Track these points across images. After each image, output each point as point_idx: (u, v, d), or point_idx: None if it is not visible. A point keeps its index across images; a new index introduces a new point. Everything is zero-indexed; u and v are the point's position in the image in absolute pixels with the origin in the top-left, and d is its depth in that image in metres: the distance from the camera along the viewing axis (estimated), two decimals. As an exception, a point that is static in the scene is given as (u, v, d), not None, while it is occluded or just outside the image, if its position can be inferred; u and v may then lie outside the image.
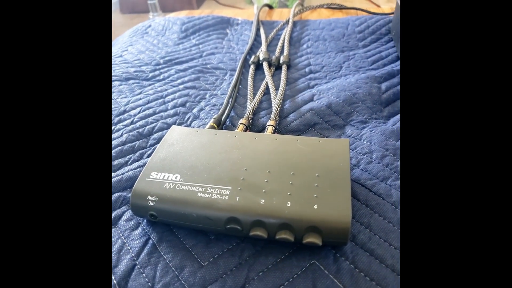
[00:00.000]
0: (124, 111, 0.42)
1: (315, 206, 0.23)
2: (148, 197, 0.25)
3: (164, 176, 0.26)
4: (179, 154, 0.28)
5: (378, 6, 0.94)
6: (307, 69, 0.49)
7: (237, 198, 0.24)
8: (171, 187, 0.25)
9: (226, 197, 0.24)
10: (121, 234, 0.26)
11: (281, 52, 0.54)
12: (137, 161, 0.34)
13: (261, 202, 0.24)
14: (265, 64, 0.49)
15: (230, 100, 0.42)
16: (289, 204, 0.24)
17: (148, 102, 0.44)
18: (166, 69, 0.52)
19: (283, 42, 0.57)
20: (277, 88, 0.43)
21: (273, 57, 0.51)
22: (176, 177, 0.26)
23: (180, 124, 0.39)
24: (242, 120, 0.36)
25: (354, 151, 0.33)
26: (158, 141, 0.37)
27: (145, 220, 0.28)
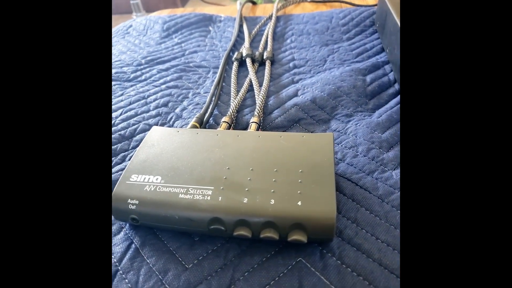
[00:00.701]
0: (105, 113, 0.41)
1: (299, 203, 0.23)
2: (129, 201, 0.24)
3: (145, 178, 0.26)
4: (160, 155, 0.28)
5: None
6: (291, 64, 0.49)
7: (220, 198, 0.24)
8: (152, 189, 0.25)
9: (208, 198, 0.24)
10: (102, 240, 0.26)
11: (265, 47, 0.54)
12: (119, 164, 0.33)
13: (244, 201, 0.23)
14: (248, 61, 0.48)
15: (213, 98, 0.41)
16: (272, 201, 0.23)
17: (130, 103, 0.43)
18: (148, 69, 0.51)
19: (267, 37, 0.56)
20: (261, 85, 0.43)
21: (257, 53, 0.50)
22: (157, 179, 0.25)
23: (162, 124, 0.39)
24: (225, 118, 0.35)
25: (340, 145, 0.33)
26: (140, 143, 0.36)
27: (127, 224, 0.27)
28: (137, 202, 0.24)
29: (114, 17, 2.15)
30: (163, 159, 0.27)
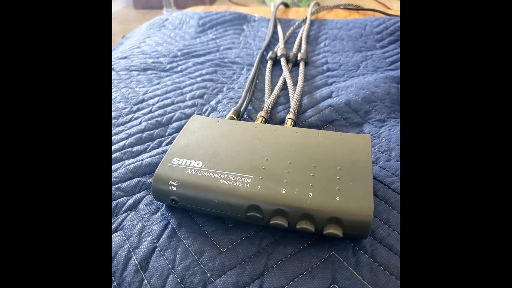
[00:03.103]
0: (143, 100, 0.42)
1: (337, 198, 0.23)
2: (170, 182, 0.25)
3: (186, 162, 0.27)
4: (200, 142, 0.29)
5: (389, 8, 0.94)
6: (324, 67, 0.49)
7: (259, 186, 0.24)
8: (193, 173, 0.26)
9: (248, 185, 0.24)
10: (141, 218, 0.27)
11: (299, 49, 0.54)
12: (156, 148, 0.34)
13: (283, 192, 0.24)
14: (283, 60, 0.49)
15: (248, 94, 0.42)
16: (310, 195, 0.24)
17: (166, 92, 0.44)
18: (183, 61, 0.52)
19: (301, 39, 0.57)
20: (294, 84, 0.44)
21: (291, 54, 0.51)
22: (198, 164, 0.26)
23: (199, 115, 0.40)
24: (261, 113, 0.36)
25: (373, 149, 0.33)
26: (176, 130, 0.37)
27: (164, 206, 0.28)
28: (178, 184, 0.25)
29: (144, 12, 2.20)
30: (204, 145, 0.28)
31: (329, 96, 0.41)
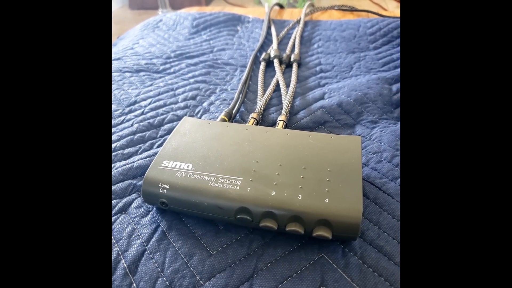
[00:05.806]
0: (135, 102, 0.42)
1: (326, 200, 0.23)
2: (160, 185, 0.25)
3: (176, 164, 0.26)
4: (191, 144, 0.29)
5: (385, 9, 0.94)
6: (317, 68, 0.49)
7: (248, 189, 0.24)
8: (183, 175, 0.26)
9: (238, 188, 0.24)
10: (131, 220, 0.27)
11: (292, 50, 0.54)
12: (147, 150, 0.34)
13: (272, 194, 0.24)
14: (276, 61, 0.49)
15: (241, 95, 0.42)
16: (300, 197, 0.24)
17: (159, 94, 0.44)
18: (177, 62, 0.52)
19: (294, 40, 0.57)
20: (287, 85, 0.44)
21: (284, 55, 0.51)
22: (188, 166, 0.26)
23: (190, 116, 0.40)
24: (253, 115, 0.36)
25: (364, 150, 0.33)
26: (168, 132, 0.37)
27: (154, 208, 0.28)
28: (168, 186, 0.25)
29: (140, 12, 2.19)
30: (194, 148, 0.28)
31: (322, 97, 0.41)
